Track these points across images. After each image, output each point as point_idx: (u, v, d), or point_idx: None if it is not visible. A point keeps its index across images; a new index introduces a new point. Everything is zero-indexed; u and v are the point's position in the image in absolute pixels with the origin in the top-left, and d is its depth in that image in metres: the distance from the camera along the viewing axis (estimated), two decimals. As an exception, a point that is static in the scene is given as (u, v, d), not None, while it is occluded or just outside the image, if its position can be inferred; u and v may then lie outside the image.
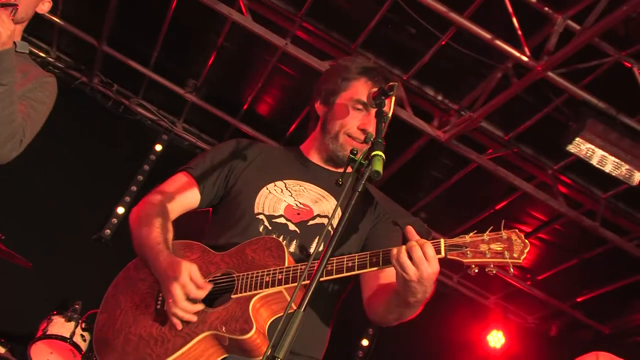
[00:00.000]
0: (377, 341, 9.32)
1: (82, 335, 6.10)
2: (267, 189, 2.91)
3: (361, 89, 2.96)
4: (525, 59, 5.98)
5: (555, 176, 7.48)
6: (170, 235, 2.78)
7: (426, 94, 7.15)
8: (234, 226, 2.85)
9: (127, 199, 8.47)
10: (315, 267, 2.09)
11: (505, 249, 2.35)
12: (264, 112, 8.48)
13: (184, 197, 2.94)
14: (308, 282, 2.32)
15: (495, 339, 9.30)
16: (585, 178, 7.49)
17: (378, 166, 2.16)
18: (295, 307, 1.99)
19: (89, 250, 8.11)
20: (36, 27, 7.93)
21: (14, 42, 3.47)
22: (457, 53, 6.45)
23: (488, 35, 6.02)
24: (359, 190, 2.18)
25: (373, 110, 2.95)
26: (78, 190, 8.03)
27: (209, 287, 2.56)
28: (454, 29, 6.24)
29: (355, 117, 2.93)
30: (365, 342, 9.31)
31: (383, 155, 2.20)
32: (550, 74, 6.05)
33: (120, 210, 8.40)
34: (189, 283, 2.51)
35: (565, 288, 8.88)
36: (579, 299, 8.84)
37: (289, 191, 2.92)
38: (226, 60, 7.91)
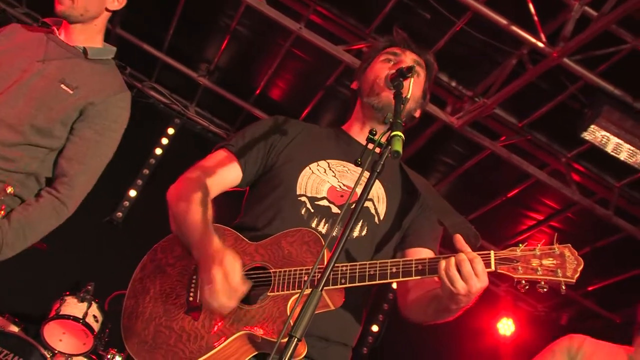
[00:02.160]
0: (386, 327, 9.34)
1: (95, 316, 6.13)
2: (310, 168, 2.82)
3: (391, 50, 3.01)
4: (541, 45, 5.94)
5: (568, 164, 7.44)
6: (212, 215, 2.63)
7: (440, 80, 7.11)
8: (273, 206, 2.75)
9: (139, 182, 8.51)
10: (332, 249, 2.05)
11: (558, 266, 2.29)
12: (277, 97, 8.47)
13: (225, 175, 2.83)
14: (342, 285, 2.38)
15: (505, 326, 9.32)
16: (599, 166, 7.44)
17: (398, 146, 2.12)
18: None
19: (101, 232, 8.15)
20: (49, 11, 7.92)
21: (85, 48, 3.24)
22: (471, 39, 6.41)
23: (504, 21, 5.97)
24: (378, 170, 2.15)
25: (407, 52, 3.00)
26: (91, 173, 8.05)
27: (248, 285, 2.42)
28: (470, 14, 6.19)
29: (384, 67, 2.93)
30: (375, 328, 9.33)
31: (402, 136, 2.17)
32: (566, 60, 6.00)
33: (132, 193, 8.44)
34: (234, 273, 2.36)
35: (577, 276, 8.85)
36: (590, 288, 8.80)
37: (332, 171, 2.83)
38: (239, 44, 7.90)
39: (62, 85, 3.10)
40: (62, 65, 3.16)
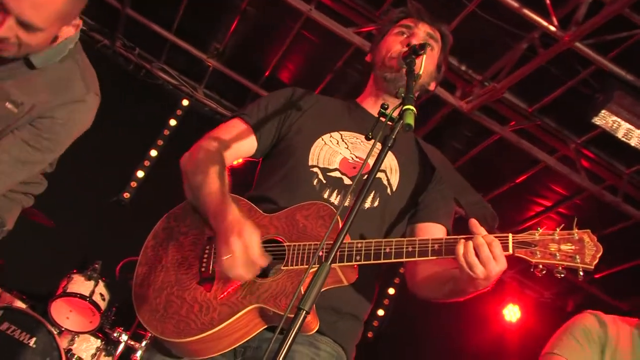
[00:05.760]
0: (392, 311, 9.35)
1: (102, 295, 6.15)
2: (323, 139, 2.81)
3: (405, 22, 3.00)
4: (553, 28, 5.88)
5: (578, 150, 7.40)
6: (228, 184, 2.61)
7: (450, 63, 7.05)
8: (286, 178, 2.74)
9: (147, 163, 8.53)
10: (343, 220, 2.03)
11: (577, 251, 2.23)
12: (286, 79, 8.43)
13: (240, 144, 2.80)
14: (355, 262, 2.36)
15: (511, 312, 9.31)
16: (608, 153, 7.41)
17: (410, 119, 2.10)
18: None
19: (109, 212, 8.20)
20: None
21: (28, 60, 2.82)
22: (482, 21, 6.35)
23: (515, 4, 5.92)
24: (389, 144, 2.13)
25: (420, 25, 2.98)
26: (99, 153, 8.05)
27: (268, 258, 2.40)
28: (482, -4, 6.15)
29: (397, 39, 2.94)
30: (381, 312, 9.35)
31: (414, 109, 2.14)
32: (577, 44, 5.95)
33: (140, 174, 8.47)
34: (253, 245, 2.34)
35: (583, 264, 8.81)
36: (596, 276, 8.76)
37: (345, 143, 2.82)
38: (249, 25, 7.85)
39: (7, 104, 2.87)
40: (6, 86, 2.89)
